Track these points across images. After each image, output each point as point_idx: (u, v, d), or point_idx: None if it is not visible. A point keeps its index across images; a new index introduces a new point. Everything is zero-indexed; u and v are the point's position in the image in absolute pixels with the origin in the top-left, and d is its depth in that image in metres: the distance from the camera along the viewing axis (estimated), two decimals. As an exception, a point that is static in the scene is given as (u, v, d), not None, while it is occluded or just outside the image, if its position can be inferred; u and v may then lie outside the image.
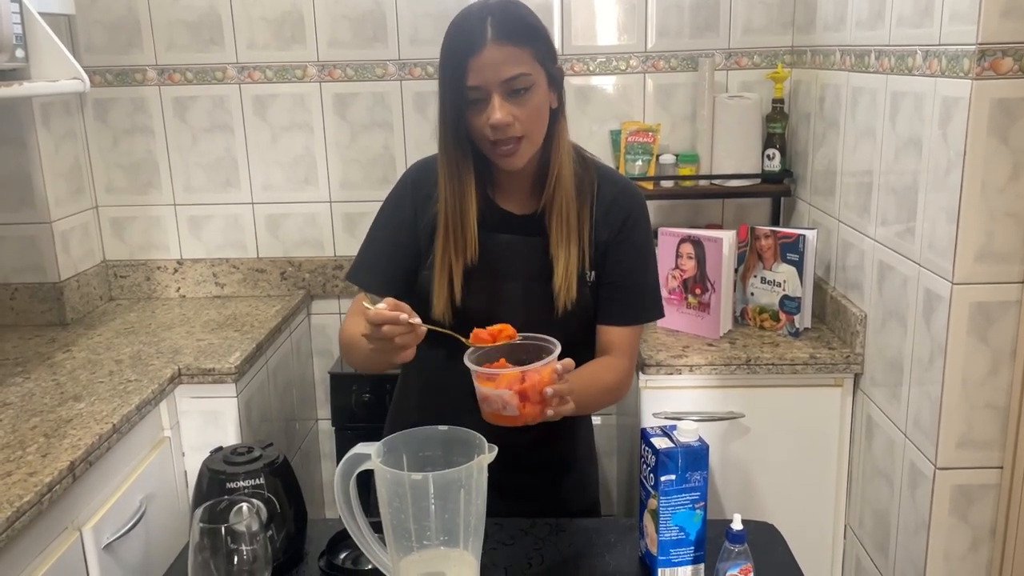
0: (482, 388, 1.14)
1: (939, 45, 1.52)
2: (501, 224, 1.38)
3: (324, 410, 2.59)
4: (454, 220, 1.33)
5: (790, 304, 2.04)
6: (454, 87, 1.26)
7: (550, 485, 1.49)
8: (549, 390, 1.12)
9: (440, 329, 1.22)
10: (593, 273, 1.38)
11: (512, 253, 1.36)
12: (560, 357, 1.17)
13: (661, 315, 1.46)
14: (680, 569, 1.19)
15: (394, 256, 1.41)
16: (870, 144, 1.84)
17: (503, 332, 1.18)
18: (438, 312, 1.34)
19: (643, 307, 1.42)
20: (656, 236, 2.13)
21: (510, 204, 1.39)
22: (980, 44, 1.39)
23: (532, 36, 1.27)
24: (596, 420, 1.64)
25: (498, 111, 1.23)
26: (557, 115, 1.34)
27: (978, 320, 1.49)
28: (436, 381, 1.45)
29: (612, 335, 1.40)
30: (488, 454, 1.04)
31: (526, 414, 1.12)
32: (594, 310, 1.40)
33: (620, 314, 1.40)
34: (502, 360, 1.17)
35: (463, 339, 1.19)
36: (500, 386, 1.12)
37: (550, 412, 1.14)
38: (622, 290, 1.39)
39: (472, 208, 1.33)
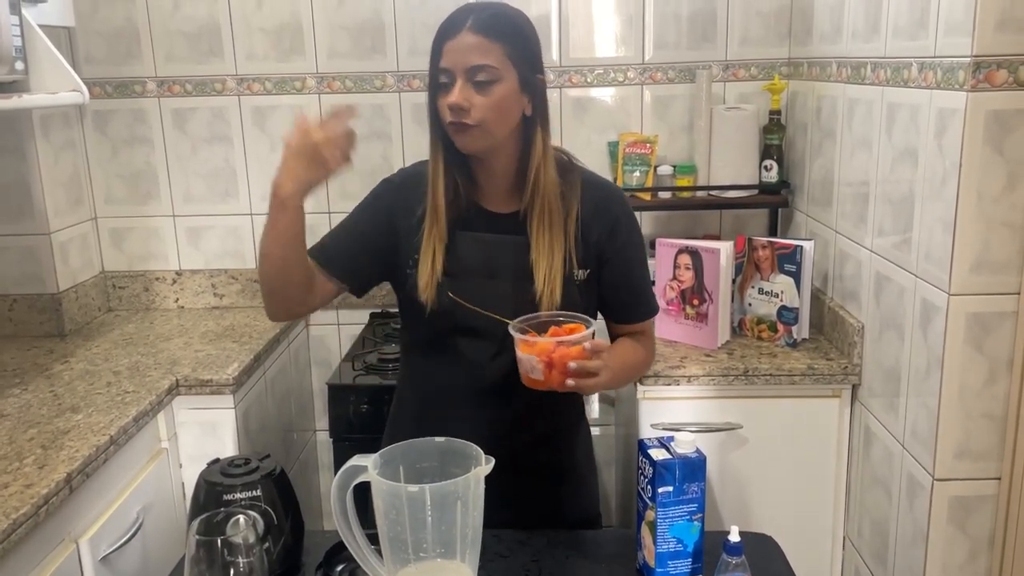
0: (519, 351, 1.26)
1: (934, 57, 1.52)
2: (485, 224, 1.40)
3: (322, 421, 2.59)
4: (431, 204, 1.38)
5: (788, 315, 2.04)
6: (432, 69, 1.33)
7: (550, 490, 1.49)
8: (573, 364, 1.22)
9: (488, 313, 1.32)
10: (586, 272, 1.41)
11: (497, 252, 1.39)
12: None
13: (657, 308, 1.54)
14: (678, 581, 1.19)
15: (355, 242, 1.43)
16: (866, 155, 1.84)
17: (574, 331, 1.27)
18: (424, 296, 1.36)
19: (650, 301, 1.51)
20: (653, 246, 2.14)
21: (491, 204, 1.42)
22: (975, 56, 1.40)
23: (508, 35, 1.31)
24: (595, 431, 1.64)
25: (455, 94, 1.29)
26: (532, 122, 1.36)
27: (975, 330, 1.49)
28: (434, 392, 1.46)
29: (641, 326, 1.50)
30: (485, 466, 1.04)
31: (550, 379, 1.24)
32: (584, 306, 1.41)
33: (637, 312, 1.49)
34: (552, 330, 1.27)
35: (507, 321, 1.28)
36: (533, 352, 1.24)
37: (571, 383, 1.23)
38: (633, 290, 1.47)
39: (441, 188, 1.37)
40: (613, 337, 1.52)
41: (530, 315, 1.30)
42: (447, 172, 1.37)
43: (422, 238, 1.38)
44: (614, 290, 1.45)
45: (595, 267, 1.42)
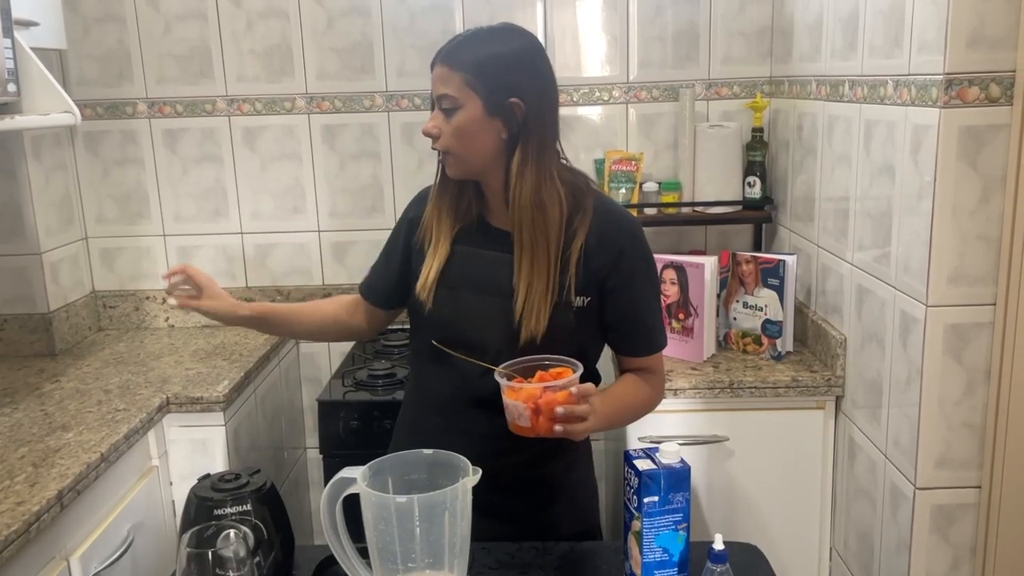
0: (505, 398, 1.25)
1: (908, 75, 1.56)
2: (483, 238, 1.43)
3: (312, 438, 2.59)
4: (428, 218, 1.44)
5: (772, 328, 2.07)
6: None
7: (542, 507, 1.50)
8: (560, 409, 1.22)
9: (479, 362, 1.34)
10: (586, 300, 1.39)
11: (487, 267, 1.41)
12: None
13: (664, 343, 1.50)
14: (664, 590, 1.21)
15: (388, 275, 1.55)
16: (846, 171, 1.88)
17: (561, 375, 1.26)
18: (422, 295, 1.42)
19: (657, 335, 1.48)
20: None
21: (495, 219, 1.44)
22: (947, 74, 1.44)
23: (468, 64, 1.33)
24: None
25: (429, 121, 1.38)
26: (511, 146, 1.36)
27: (953, 341, 1.52)
28: (432, 401, 1.48)
29: (646, 361, 1.48)
30: (472, 476, 1.06)
31: (538, 426, 1.23)
32: (581, 334, 1.42)
33: (642, 346, 1.47)
34: (539, 374, 1.27)
35: (493, 368, 1.30)
36: (518, 399, 1.23)
37: (558, 428, 1.23)
38: (638, 323, 1.45)
39: (445, 203, 1.44)
40: (622, 371, 1.50)
41: (517, 360, 1.30)
42: (452, 188, 1.43)
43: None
44: (618, 321, 1.43)
45: (596, 296, 1.41)
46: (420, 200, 1.52)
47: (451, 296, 1.40)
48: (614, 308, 1.42)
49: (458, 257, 1.42)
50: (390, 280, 1.54)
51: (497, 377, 1.27)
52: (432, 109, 1.39)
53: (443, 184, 1.44)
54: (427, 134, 1.38)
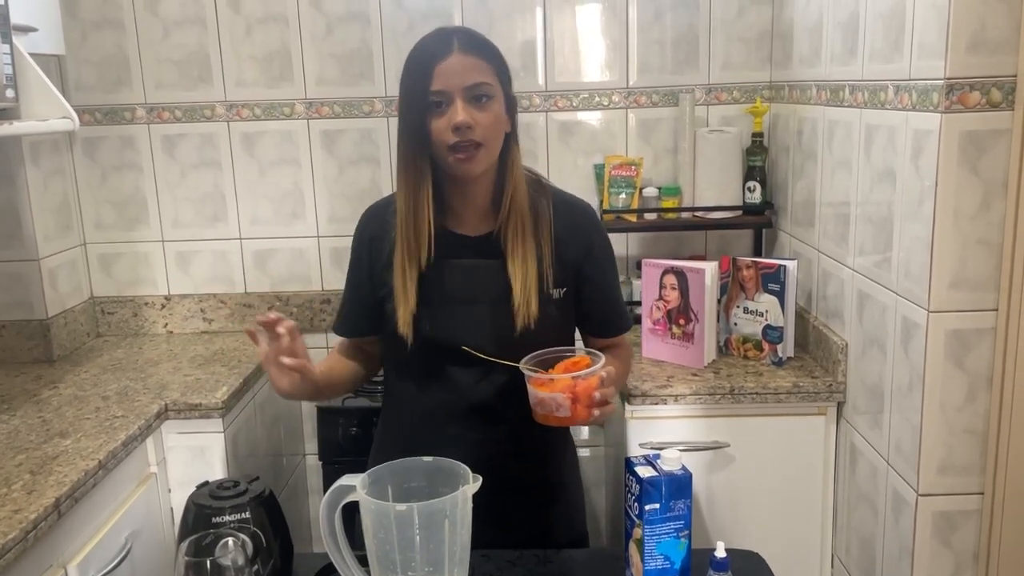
0: (537, 392, 1.25)
1: (909, 80, 1.56)
2: (457, 249, 1.41)
3: (311, 444, 2.59)
4: (407, 223, 1.36)
5: (773, 333, 2.07)
6: (418, 93, 1.31)
7: (538, 512, 1.50)
8: (597, 394, 1.23)
9: (494, 359, 1.34)
10: (563, 291, 1.43)
11: (471, 276, 1.40)
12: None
13: (631, 320, 1.60)
14: (665, 598, 1.20)
15: (361, 306, 1.51)
16: (847, 176, 1.88)
17: (579, 364, 1.27)
18: (404, 331, 1.38)
19: (627, 313, 1.57)
20: (639, 267, 2.17)
21: (464, 228, 1.42)
22: (948, 79, 1.43)
23: (494, 54, 1.36)
24: (584, 452, 1.66)
25: (461, 113, 1.29)
26: (511, 140, 1.39)
27: (954, 347, 1.52)
28: (420, 415, 1.47)
29: (612, 340, 1.54)
30: (472, 484, 1.06)
31: (577, 414, 1.23)
32: (560, 324, 1.44)
33: (618, 326, 1.54)
34: (560, 365, 1.27)
35: (515, 364, 1.29)
36: (555, 390, 1.23)
37: (596, 413, 1.24)
38: (611, 304, 1.51)
39: (426, 210, 1.36)
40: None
41: (535, 353, 1.30)
42: (427, 199, 1.36)
43: (395, 262, 1.39)
44: (596, 307, 1.48)
45: (572, 286, 1.44)
46: (371, 219, 1.48)
47: (434, 315, 1.39)
48: (591, 296, 1.47)
49: (436, 274, 1.39)
50: (372, 312, 1.47)
51: (524, 370, 1.26)
52: (437, 106, 1.30)
53: (423, 182, 1.35)
54: (465, 125, 1.28)
